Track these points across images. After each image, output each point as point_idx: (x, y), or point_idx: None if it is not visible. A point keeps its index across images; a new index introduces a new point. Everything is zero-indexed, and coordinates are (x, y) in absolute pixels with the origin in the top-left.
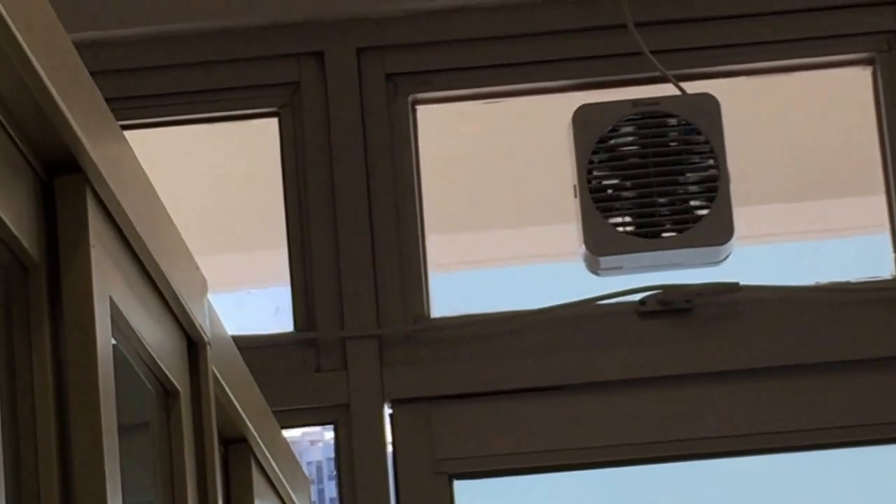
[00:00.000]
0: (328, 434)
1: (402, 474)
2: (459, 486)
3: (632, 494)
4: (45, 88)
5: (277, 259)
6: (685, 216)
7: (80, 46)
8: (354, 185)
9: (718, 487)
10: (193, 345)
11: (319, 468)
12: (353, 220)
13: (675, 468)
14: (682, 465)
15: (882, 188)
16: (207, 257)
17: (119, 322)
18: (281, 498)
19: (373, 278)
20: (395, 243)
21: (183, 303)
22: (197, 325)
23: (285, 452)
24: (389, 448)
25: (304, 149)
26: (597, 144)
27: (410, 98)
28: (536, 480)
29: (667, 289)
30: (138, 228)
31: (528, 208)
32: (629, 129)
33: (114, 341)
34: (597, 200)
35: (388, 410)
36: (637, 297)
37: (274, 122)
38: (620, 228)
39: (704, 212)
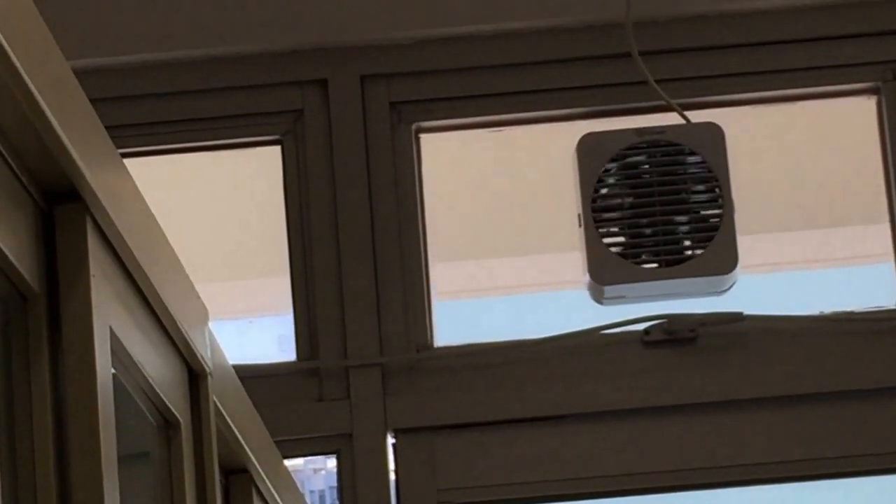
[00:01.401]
0: (331, 462)
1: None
2: None
3: None
4: (44, 117)
5: (280, 287)
6: (690, 245)
7: (80, 74)
8: (358, 213)
9: None
10: (194, 374)
11: (322, 497)
12: (356, 249)
13: (680, 498)
14: (687, 494)
15: (886, 217)
16: (210, 285)
17: (119, 352)
18: None
19: (376, 307)
20: (398, 272)
21: (184, 332)
22: (198, 354)
23: (287, 482)
24: (392, 477)
25: (308, 177)
26: (601, 173)
27: (414, 126)
28: None
29: (671, 318)
30: (138, 257)
31: (532, 237)
32: (634, 157)
33: (114, 371)
34: (601, 229)
35: (390, 440)
36: (641, 326)
37: (277, 149)
38: (624, 258)
39: (709, 241)
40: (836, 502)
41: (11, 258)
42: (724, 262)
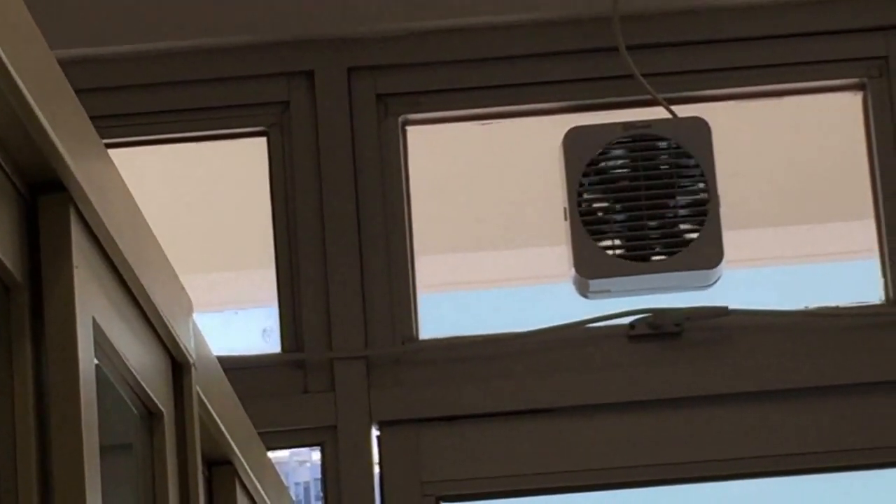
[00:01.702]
0: (316, 454)
1: (388, 496)
2: None
3: None
4: (28, 107)
5: (265, 279)
6: (675, 239)
7: (65, 64)
8: (343, 205)
9: None
10: (178, 366)
11: (307, 489)
12: (341, 241)
13: (664, 492)
14: (671, 488)
15: (871, 213)
16: (195, 277)
17: (102, 343)
18: None
19: (361, 299)
20: (383, 264)
21: (167, 323)
22: (181, 345)
23: (271, 475)
24: (377, 470)
25: (293, 168)
26: (587, 167)
27: (401, 119)
28: (524, 503)
29: (656, 312)
30: (122, 248)
31: (518, 230)
32: (620, 151)
33: (96, 362)
34: (587, 223)
35: (375, 432)
36: (626, 320)
37: (263, 141)
38: (610, 251)
39: (694, 235)
40: (822, 497)
41: None
42: (709, 256)
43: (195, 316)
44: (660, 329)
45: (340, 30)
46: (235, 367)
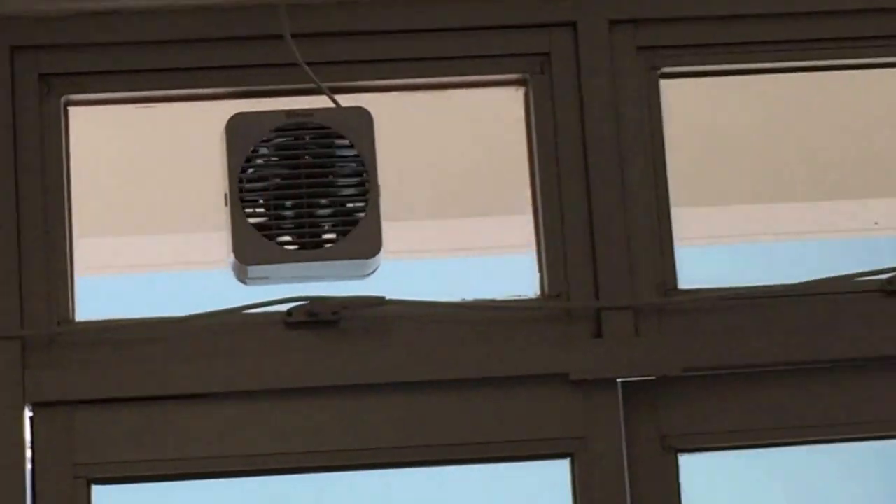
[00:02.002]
0: None
1: (39, 478)
2: (98, 491)
3: None
4: None
5: None
6: (335, 228)
7: None
8: (2, 184)
9: (361, 500)
10: None
11: None
12: None
13: (317, 479)
14: (324, 476)
15: (530, 208)
16: None
17: None
18: None
19: (18, 279)
20: (41, 245)
21: None
22: None
23: None
24: (28, 452)
25: None
26: (250, 153)
27: (63, 99)
28: (178, 487)
29: (313, 300)
30: None
31: (180, 215)
32: (282, 139)
33: None
34: (247, 209)
35: (28, 413)
36: (284, 307)
37: None
38: (269, 238)
39: (354, 225)
40: (474, 488)
41: None
42: (367, 246)
43: None
44: (317, 317)
45: (3, 8)
46: None
